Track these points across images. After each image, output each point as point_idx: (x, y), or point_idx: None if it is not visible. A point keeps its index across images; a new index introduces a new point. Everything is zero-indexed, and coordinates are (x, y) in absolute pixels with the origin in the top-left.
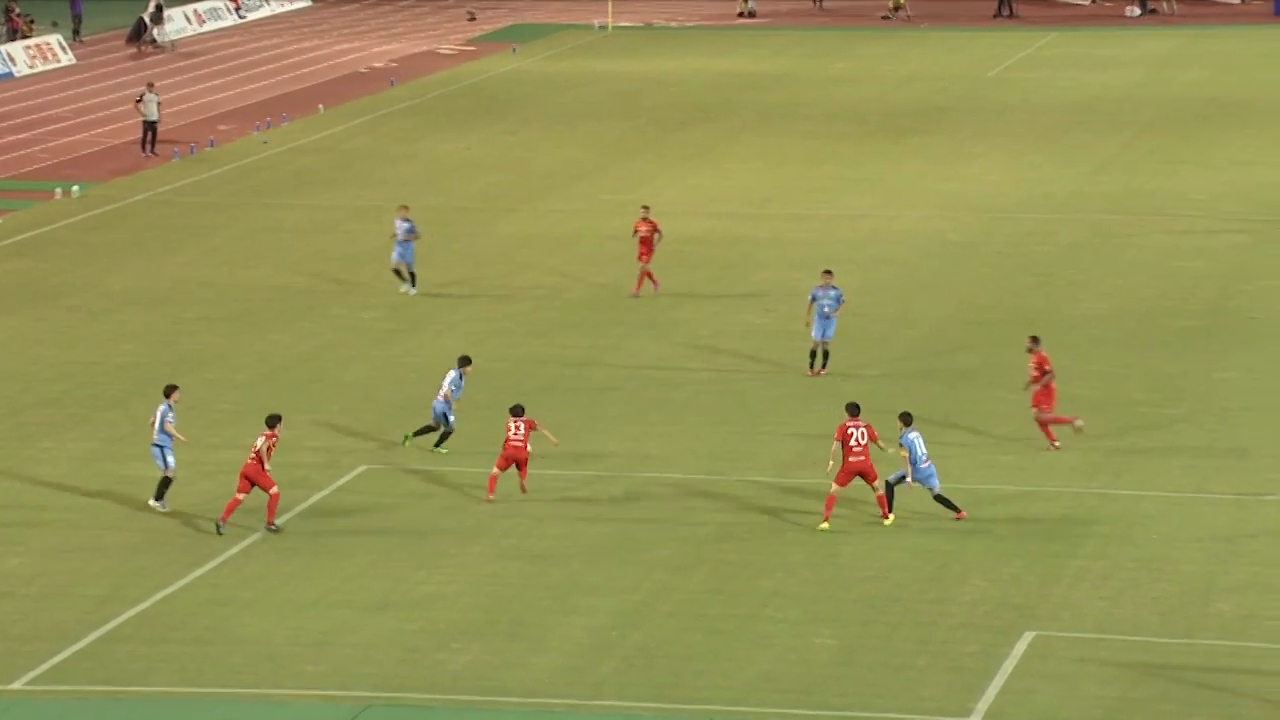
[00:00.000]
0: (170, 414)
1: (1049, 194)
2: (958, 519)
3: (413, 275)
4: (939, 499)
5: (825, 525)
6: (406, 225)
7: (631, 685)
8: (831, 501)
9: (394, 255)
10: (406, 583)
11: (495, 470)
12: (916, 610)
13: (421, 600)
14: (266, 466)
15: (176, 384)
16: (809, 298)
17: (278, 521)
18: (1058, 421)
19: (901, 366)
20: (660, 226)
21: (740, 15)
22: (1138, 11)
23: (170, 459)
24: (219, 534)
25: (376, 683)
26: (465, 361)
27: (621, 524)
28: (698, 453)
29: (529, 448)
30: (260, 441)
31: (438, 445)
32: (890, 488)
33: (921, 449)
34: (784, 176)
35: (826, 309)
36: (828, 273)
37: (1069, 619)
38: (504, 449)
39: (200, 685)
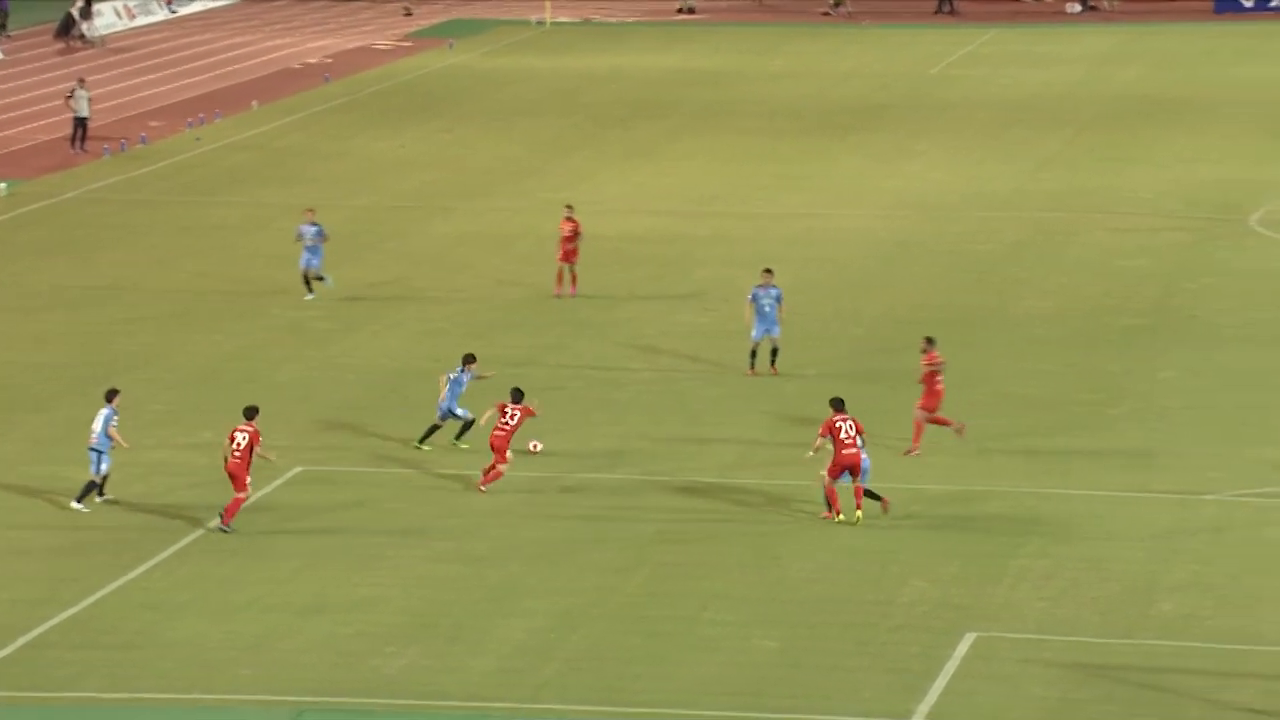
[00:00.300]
0: (114, 418)
1: (991, 192)
2: (827, 516)
3: (319, 279)
4: (867, 492)
5: (841, 517)
6: (314, 229)
7: (571, 688)
8: (832, 494)
9: (301, 261)
10: (342, 585)
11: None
12: (858, 611)
13: (357, 603)
14: (259, 457)
15: (118, 388)
16: (749, 297)
17: (232, 524)
18: (939, 423)
19: (842, 366)
20: (582, 227)
21: (679, 11)
22: (1079, 8)
23: (105, 464)
24: (223, 531)
25: (311, 687)
26: (469, 359)
27: (561, 526)
28: (639, 453)
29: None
30: (241, 437)
31: (458, 438)
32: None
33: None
34: (724, 174)
35: (766, 308)
36: (768, 271)
37: (1010, 619)
38: (491, 434)
39: (132, 691)
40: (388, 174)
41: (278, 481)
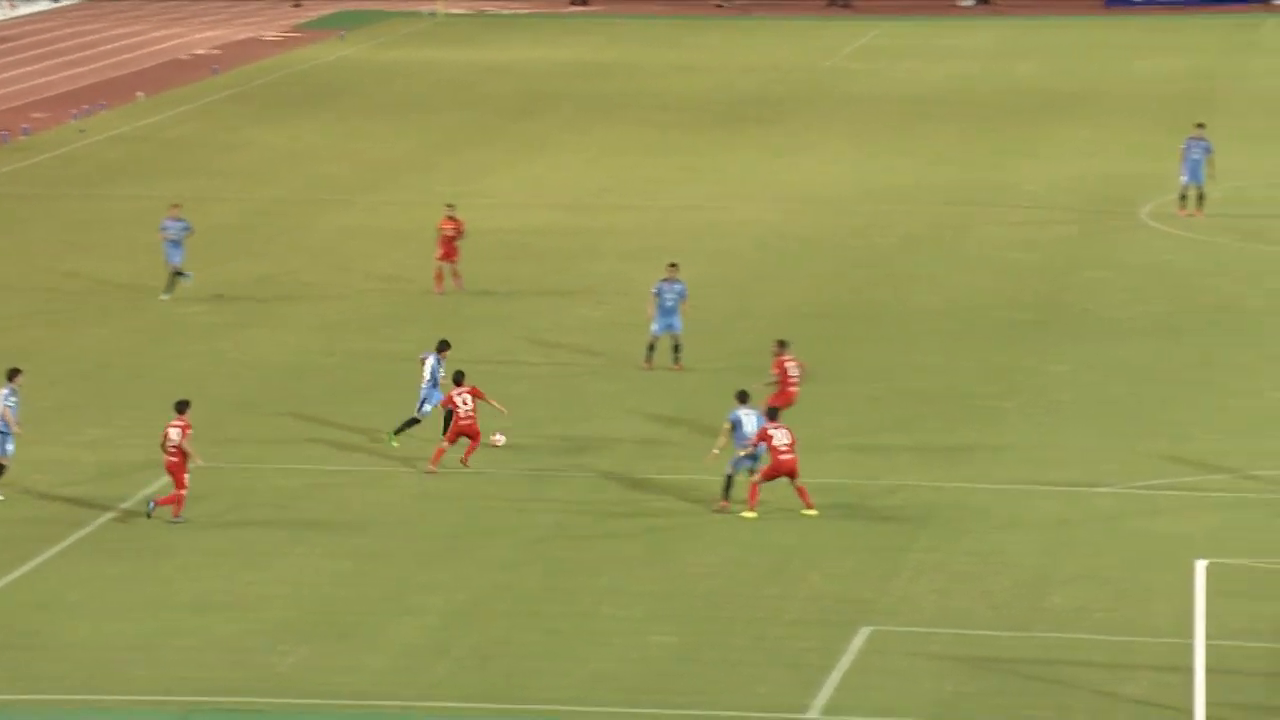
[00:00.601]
0: (12, 399)
1: (887, 185)
2: (721, 507)
3: (180, 274)
4: (729, 480)
5: (752, 513)
6: (180, 224)
7: (465, 685)
8: (755, 491)
9: (168, 256)
10: (235, 583)
11: (444, 443)
12: (755, 606)
13: (250, 601)
14: (191, 460)
15: (20, 367)
16: (652, 290)
17: (182, 515)
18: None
19: (740, 360)
20: (465, 225)
21: (573, 3)
22: (972, 1)
23: (9, 445)
24: (160, 518)
25: (203, 686)
26: (443, 346)
27: (456, 521)
28: (534, 448)
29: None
30: (173, 433)
31: (396, 432)
32: (729, 478)
33: (750, 428)
34: (621, 167)
35: (669, 302)
36: (673, 266)
37: (905, 613)
38: (454, 423)
39: (22, 692)
40: (280, 167)
41: (165, 478)
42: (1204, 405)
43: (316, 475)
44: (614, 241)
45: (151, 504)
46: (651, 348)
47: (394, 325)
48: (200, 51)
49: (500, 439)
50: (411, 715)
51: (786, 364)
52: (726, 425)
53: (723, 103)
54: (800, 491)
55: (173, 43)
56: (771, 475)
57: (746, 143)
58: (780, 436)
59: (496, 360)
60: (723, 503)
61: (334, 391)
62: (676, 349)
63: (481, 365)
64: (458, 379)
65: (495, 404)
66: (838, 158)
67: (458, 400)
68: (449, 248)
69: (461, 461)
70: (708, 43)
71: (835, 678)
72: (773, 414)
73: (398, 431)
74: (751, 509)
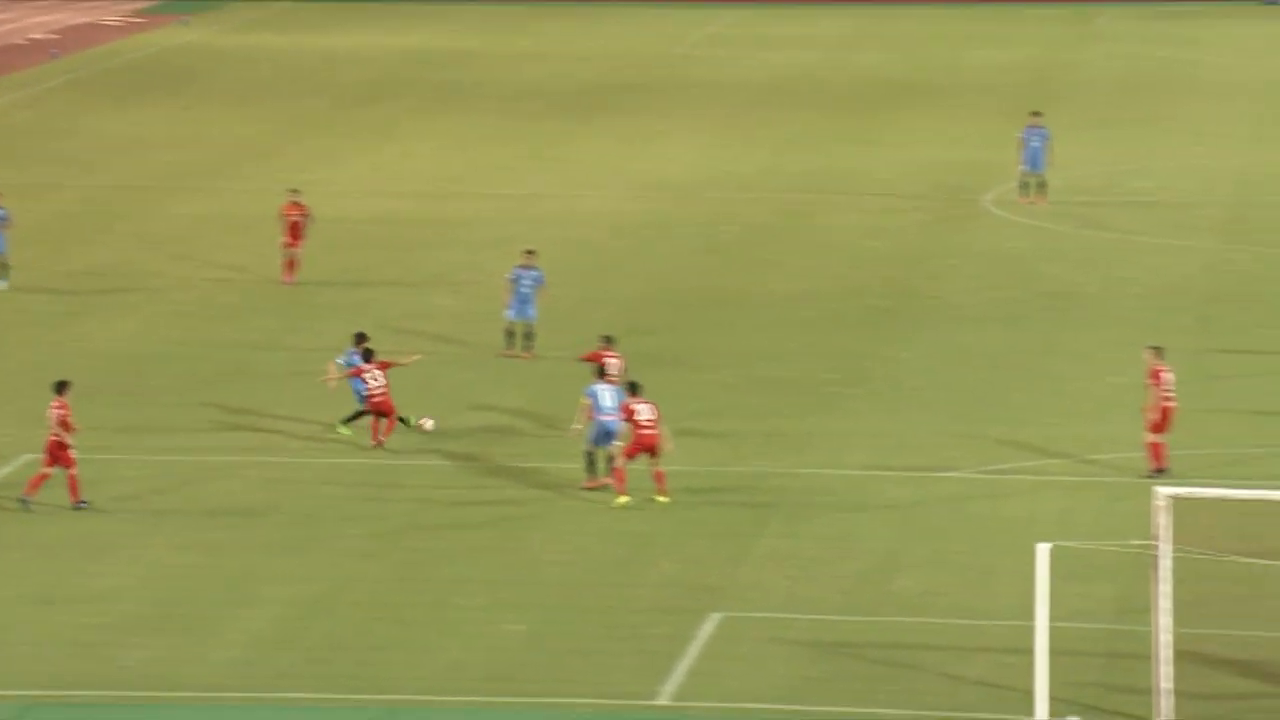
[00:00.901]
0: None
1: (736, 173)
2: (590, 484)
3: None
4: (590, 456)
5: (624, 500)
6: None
7: (313, 677)
8: (621, 474)
9: None
10: (78, 576)
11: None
12: (606, 593)
13: (93, 593)
14: (69, 441)
15: None
16: (509, 277)
17: (83, 500)
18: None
19: (591, 347)
20: (311, 211)
21: None
22: None
23: None
24: (28, 510)
25: (45, 680)
26: (360, 339)
27: (306, 512)
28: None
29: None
30: (51, 414)
31: (345, 422)
32: (590, 455)
33: (608, 402)
34: (469, 156)
35: (525, 289)
36: (530, 253)
37: (755, 599)
38: (367, 402)
39: None
40: (122, 154)
41: (6, 469)
42: (1046, 391)
43: (164, 465)
44: (465, 230)
45: (80, 502)
46: (510, 334)
47: (242, 314)
48: (37, 35)
49: (429, 424)
50: (258, 707)
51: (606, 359)
52: (585, 400)
53: (572, 90)
54: (658, 476)
55: (7, 27)
56: (634, 452)
57: (597, 131)
58: (644, 411)
59: (345, 350)
60: (589, 481)
61: (181, 381)
62: (528, 336)
63: (330, 354)
64: (366, 355)
65: (406, 360)
66: (688, 145)
67: (367, 378)
68: (294, 234)
69: (376, 442)
70: (557, 30)
71: (685, 664)
72: (634, 388)
73: (347, 421)
74: (622, 494)
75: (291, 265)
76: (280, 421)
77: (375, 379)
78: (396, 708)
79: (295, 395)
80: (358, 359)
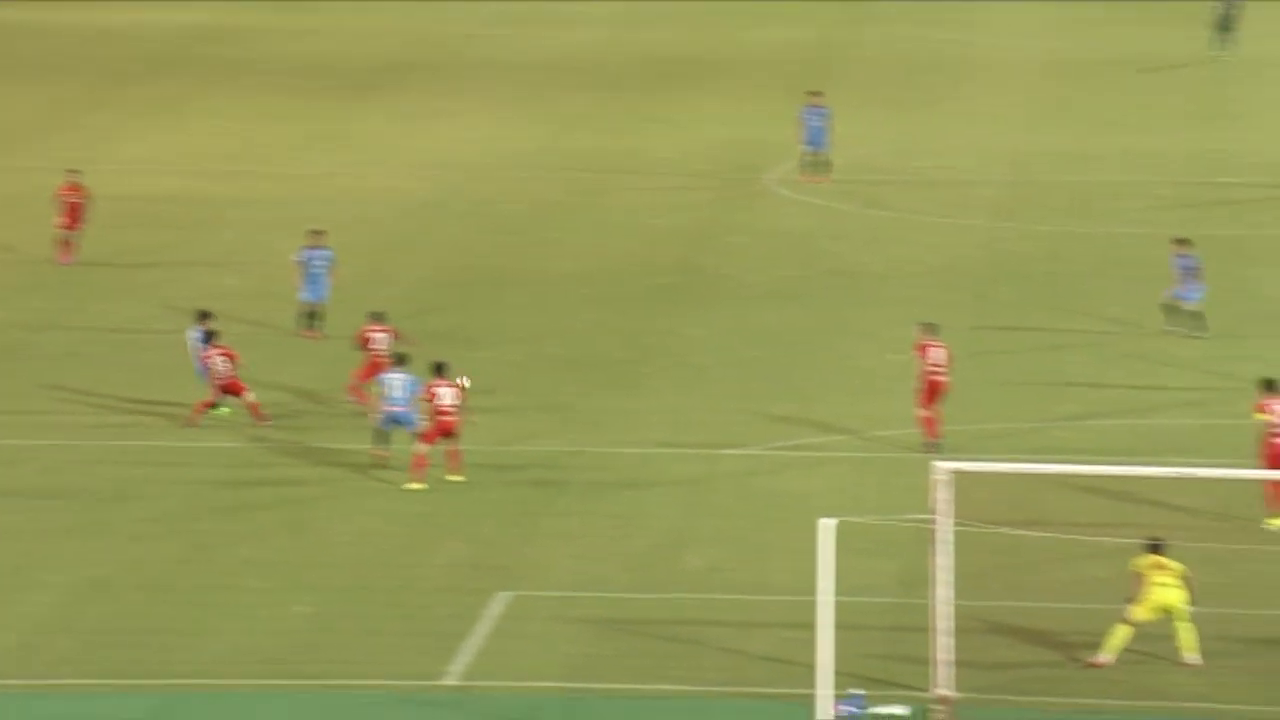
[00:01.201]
0: None
1: (521, 151)
2: (375, 457)
3: None
4: (381, 433)
5: (418, 485)
6: None
7: (94, 662)
8: (418, 461)
9: None
10: None
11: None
12: (393, 574)
13: None
14: None
15: None
16: (298, 258)
17: None
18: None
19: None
20: (90, 191)
21: None
22: None
23: None
24: None
25: None
26: (203, 316)
27: (86, 494)
28: (170, 418)
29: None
30: None
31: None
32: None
33: (398, 391)
34: (252, 134)
35: (316, 269)
36: (318, 232)
37: (543, 578)
38: (215, 384)
39: None
40: None
41: None
42: (831, 368)
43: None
44: (247, 209)
45: None
46: (309, 315)
47: (14, 294)
48: None
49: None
50: (36, 694)
51: (371, 334)
52: (379, 388)
53: (354, 68)
54: (452, 455)
55: None
56: (433, 437)
57: (379, 109)
58: (446, 395)
59: (129, 330)
60: (374, 451)
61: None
62: (312, 316)
63: (108, 334)
64: (207, 336)
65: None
66: (472, 124)
67: (209, 361)
68: (72, 215)
69: (259, 419)
70: (336, 6)
71: (473, 644)
72: (440, 369)
73: (215, 407)
74: (417, 480)
75: (68, 246)
76: (61, 404)
77: (223, 363)
78: (172, 693)
79: (75, 376)
80: (200, 336)
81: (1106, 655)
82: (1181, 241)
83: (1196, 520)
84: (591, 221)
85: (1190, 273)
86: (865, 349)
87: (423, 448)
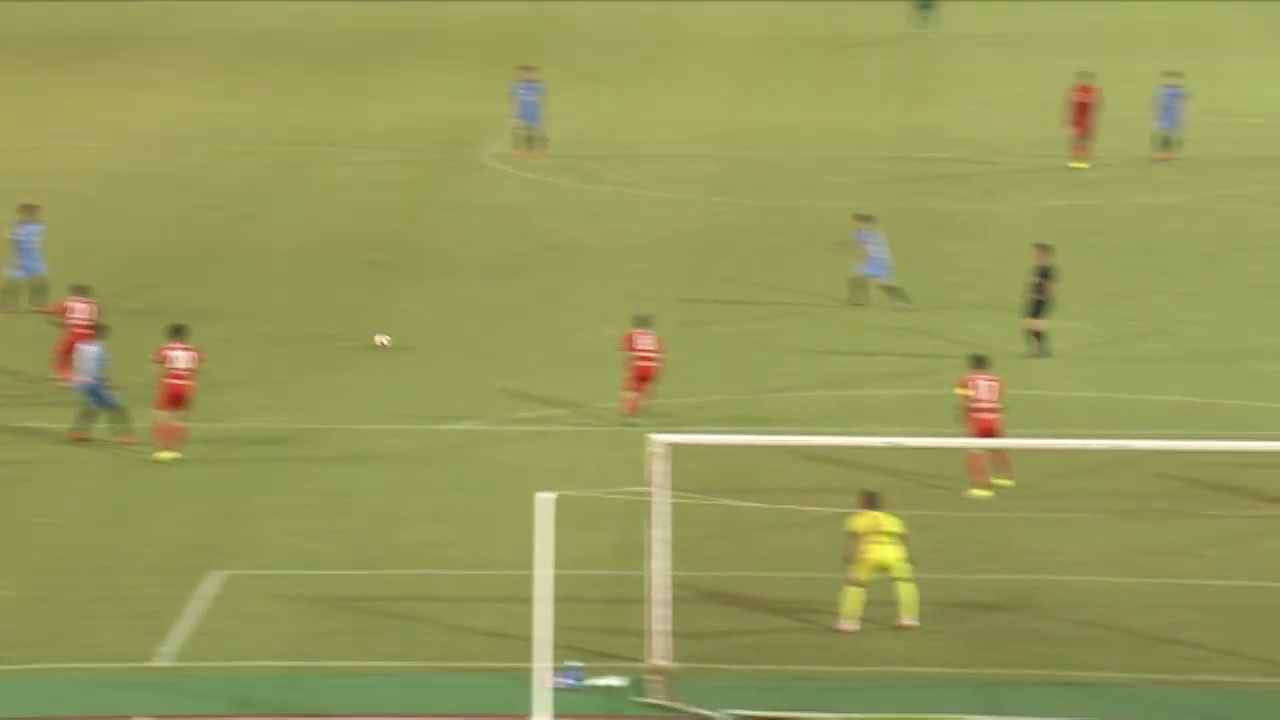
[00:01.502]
0: None
1: (227, 125)
2: (73, 435)
3: None
4: (86, 410)
5: (167, 455)
6: None
7: None
8: (164, 430)
9: None
10: None
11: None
12: (99, 555)
13: None
14: None
15: None
16: (11, 236)
17: None
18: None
19: None
20: None
21: None
22: None
23: None
24: None
25: None
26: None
27: None
28: None
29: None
30: None
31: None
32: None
33: (90, 363)
34: None
35: (30, 245)
36: (29, 208)
37: (258, 556)
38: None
39: None
40: None
41: None
42: (549, 342)
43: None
44: None
45: None
46: (13, 292)
47: None
48: None
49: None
50: None
51: (69, 305)
52: (75, 360)
53: (54, 39)
54: (173, 431)
55: None
56: (165, 404)
57: (82, 82)
58: (180, 359)
59: None
60: (73, 433)
61: None
62: (39, 291)
63: None
64: (177, 329)
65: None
66: (177, 97)
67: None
68: None
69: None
70: None
71: (185, 624)
72: (178, 331)
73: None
74: (168, 448)
75: None
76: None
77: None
78: None
79: None
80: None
81: (847, 622)
82: (863, 218)
83: (907, 485)
84: (302, 196)
85: (875, 248)
86: (583, 323)
87: (162, 414)
